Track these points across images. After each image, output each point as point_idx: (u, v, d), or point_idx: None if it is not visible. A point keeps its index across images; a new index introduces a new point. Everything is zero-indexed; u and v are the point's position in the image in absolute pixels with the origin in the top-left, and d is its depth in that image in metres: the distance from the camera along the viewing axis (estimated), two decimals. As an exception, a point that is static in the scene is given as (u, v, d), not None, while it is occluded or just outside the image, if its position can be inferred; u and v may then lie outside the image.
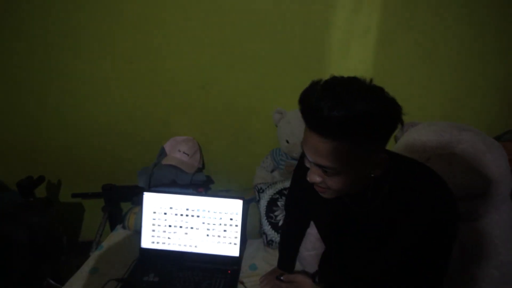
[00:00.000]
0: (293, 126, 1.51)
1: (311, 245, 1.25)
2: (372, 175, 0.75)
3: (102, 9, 1.51)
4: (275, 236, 1.46)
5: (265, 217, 1.48)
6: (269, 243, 1.47)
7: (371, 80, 0.68)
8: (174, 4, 1.48)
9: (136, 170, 1.70)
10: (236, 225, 1.36)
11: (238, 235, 1.37)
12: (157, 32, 1.54)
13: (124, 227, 1.58)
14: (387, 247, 0.82)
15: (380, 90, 0.67)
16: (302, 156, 0.90)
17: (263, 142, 1.72)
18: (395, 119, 0.67)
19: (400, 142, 1.26)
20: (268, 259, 1.41)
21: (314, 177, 0.77)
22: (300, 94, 0.69)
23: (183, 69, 1.61)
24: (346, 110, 0.62)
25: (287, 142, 1.53)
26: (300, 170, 1.02)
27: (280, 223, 1.45)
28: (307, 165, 0.79)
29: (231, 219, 1.36)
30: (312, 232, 1.27)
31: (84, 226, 2.10)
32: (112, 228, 1.75)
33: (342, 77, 0.69)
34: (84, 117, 1.78)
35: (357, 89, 0.65)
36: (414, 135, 1.20)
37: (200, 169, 1.71)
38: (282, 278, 1.19)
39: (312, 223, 1.27)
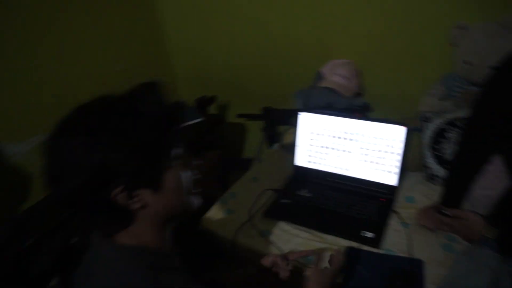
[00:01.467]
0: (478, 44, 1.24)
1: (488, 183, 1.07)
2: None
3: None
4: (439, 171, 1.31)
5: (428, 149, 1.32)
6: (431, 177, 1.33)
7: None
8: None
9: (293, 94, 1.73)
10: (396, 153, 1.27)
11: (397, 163, 1.27)
12: None
13: (281, 146, 1.68)
14: None
15: None
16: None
17: (433, 66, 1.48)
18: None
19: None
20: (428, 194, 1.29)
21: None
22: None
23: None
24: None
25: (468, 63, 1.27)
26: (494, 94, 0.84)
27: (446, 157, 1.28)
28: None
29: (391, 146, 1.27)
30: (491, 169, 1.07)
31: (246, 145, 2.33)
32: (270, 147, 1.89)
33: None
34: (247, 42, 1.88)
35: None
36: None
37: (358, 94, 1.62)
38: (447, 212, 1.07)
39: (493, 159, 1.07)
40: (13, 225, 0.57)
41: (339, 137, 1.35)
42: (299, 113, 1.40)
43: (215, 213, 1.33)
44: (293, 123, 1.69)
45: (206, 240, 1.26)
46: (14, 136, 1.46)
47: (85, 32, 1.69)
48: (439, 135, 1.31)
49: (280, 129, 1.96)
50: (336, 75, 1.56)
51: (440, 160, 1.30)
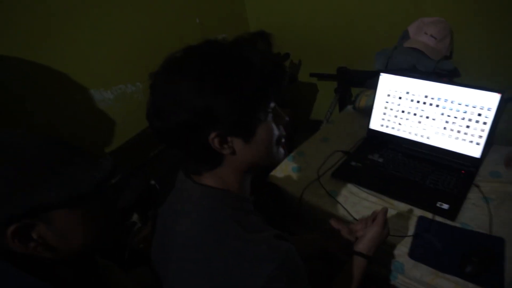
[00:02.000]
0: None
1: None
2: None
3: None
4: (534, 147, 1.18)
5: (524, 123, 1.19)
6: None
7: None
8: None
9: (372, 54, 1.63)
10: (484, 123, 1.15)
11: (485, 134, 1.16)
12: None
13: (354, 108, 1.62)
14: None
15: None
16: None
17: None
18: None
19: None
20: (518, 171, 1.18)
21: None
22: None
23: None
24: None
25: None
26: None
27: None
28: None
29: (479, 114, 1.16)
30: None
31: (316, 105, 2.29)
32: (341, 109, 1.84)
33: None
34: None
35: None
36: None
37: (447, 57, 1.47)
38: None
39: None
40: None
41: (421, 102, 1.26)
42: (381, 74, 1.32)
43: (283, 169, 1.35)
44: (368, 85, 1.62)
45: (276, 194, 1.30)
46: (102, 84, 1.59)
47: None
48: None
49: (353, 93, 1.89)
50: (424, 34, 1.43)
51: (538, 135, 1.17)
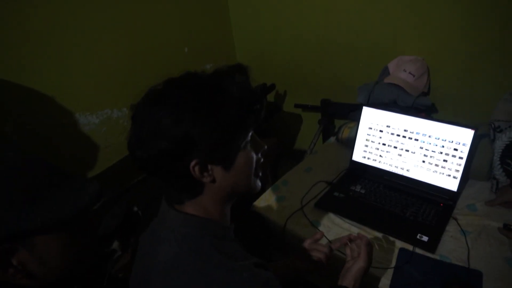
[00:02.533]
0: None
1: None
2: None
3: None
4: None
5: (498, 162, 1.24)
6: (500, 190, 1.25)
7: None
8: None
9: (354, 88, 1.70)
10: (460, 157, 1.21)
11: (461, 168, 1.21)
12: None
13: (337, 140, 1.66)
14: None
15: None
16: None
17: (513, 69, 1.38)
18: None
19: None
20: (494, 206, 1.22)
21: None
22: None
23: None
24: None
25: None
26: None
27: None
28: None
29: (455, 149, 1.21)
30: None
31: (300, 135, 2.34)
32: (325, 140, 1.88)
33: None
34: (312, 34, 1.87)
35: None
36: None
37: (425, 94, 1.55)
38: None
39: None
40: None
41: (401, 136, 1.31)
42: (364, 107, 1.37)
43: (267, 198, 1.36)
44: (351, 118, 1.67)
45: (259, 223, 1.30)
46: (87, 108, 1.59)
47: (158, 16, 1.78)
48: (513, 149, 1.21)
49: (336, 124, 1.94)
50: (403, 71, 1.51)
51: (511, 174, 1.22)
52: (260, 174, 0.74)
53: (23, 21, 1.33)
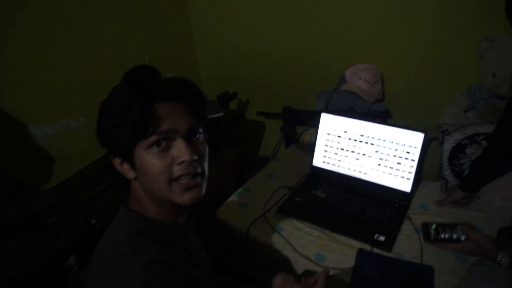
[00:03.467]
0: (505, 57, 1.24)
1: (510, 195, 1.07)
2: None
3: None
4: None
5: (447, 163, 1.32)
6: (447, 189, 1.33)
7: None
8: None
9: (314, 96, 1.75)
10: (412, 160, 1.27)
11: (413, 170, 1.28)
12: None
13: (298, 146, 1.70)
14: None
15: None
16: None
17: (459, 76, 1.48)
18: None
19: None
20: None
21: None
22: None
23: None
24: None
25: (494, 76, 1.27)
26: None
27: (466, 172, 1.27)
28: None
29: (407, 152, 1.28)
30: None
31: (264, 142, 2.36)
32: (287, 146, 1.91)
33: None
34: (271, 44, 1.92)
35: None
36: None
37: (380, 100, 1.63)
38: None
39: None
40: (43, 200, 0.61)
41: (358, 140, 1.36)
42: (322, 114, 1.41)
43: (229, 205, 1.36)
44: (311, 124, 1.71)
45: (220, 229, 1.30)
46: (42, 120, 1.53)
47: (117, 24, 1.74)
48: (459, 150, 1.29)
49: (297, 130, 1.98)
50: (359, 79, 1.57)
51: (458, 175, 1.30)
52: (183, 182, 0.68)
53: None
